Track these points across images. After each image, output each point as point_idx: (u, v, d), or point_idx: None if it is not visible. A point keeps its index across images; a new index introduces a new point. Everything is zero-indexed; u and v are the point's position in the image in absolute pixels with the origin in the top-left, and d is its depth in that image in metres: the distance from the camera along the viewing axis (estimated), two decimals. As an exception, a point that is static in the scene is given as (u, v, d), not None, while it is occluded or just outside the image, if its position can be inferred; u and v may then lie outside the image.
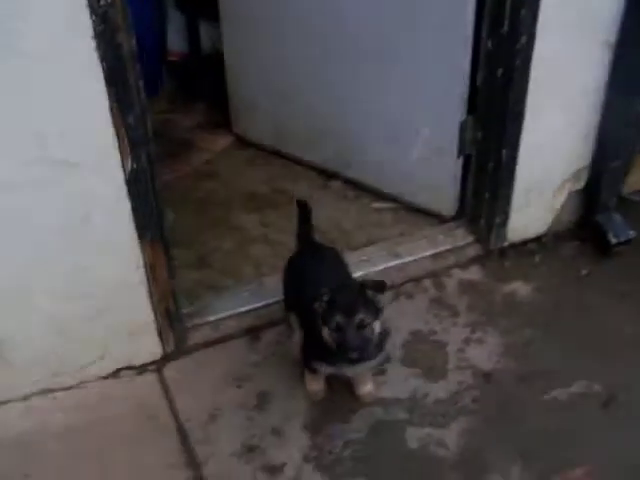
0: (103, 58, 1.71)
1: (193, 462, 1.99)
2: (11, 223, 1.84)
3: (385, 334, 1.94)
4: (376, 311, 1.85)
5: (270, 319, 2.35)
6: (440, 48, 2.34)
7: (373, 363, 1.98)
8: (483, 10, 2.22)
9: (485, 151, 2.42)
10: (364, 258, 2.53)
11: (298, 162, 2.94)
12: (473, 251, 2.59)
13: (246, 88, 2.94)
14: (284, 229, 2.66)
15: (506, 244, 2.58)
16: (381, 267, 2.50)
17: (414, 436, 2.04)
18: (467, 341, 2.31)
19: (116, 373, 2.21)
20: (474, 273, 2.54)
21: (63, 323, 2.05)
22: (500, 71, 2.24)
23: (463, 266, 2.56)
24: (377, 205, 2.76)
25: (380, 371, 2.19)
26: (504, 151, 2.35)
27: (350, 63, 2.57)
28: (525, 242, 2.62)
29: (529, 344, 2.30)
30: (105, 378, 2.20)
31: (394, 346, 2.23)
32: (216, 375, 2.21)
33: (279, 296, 2.31)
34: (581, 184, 2.57)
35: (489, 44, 2.24)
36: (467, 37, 2.28)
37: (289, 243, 2.56)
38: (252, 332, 2.33)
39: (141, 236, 2.00)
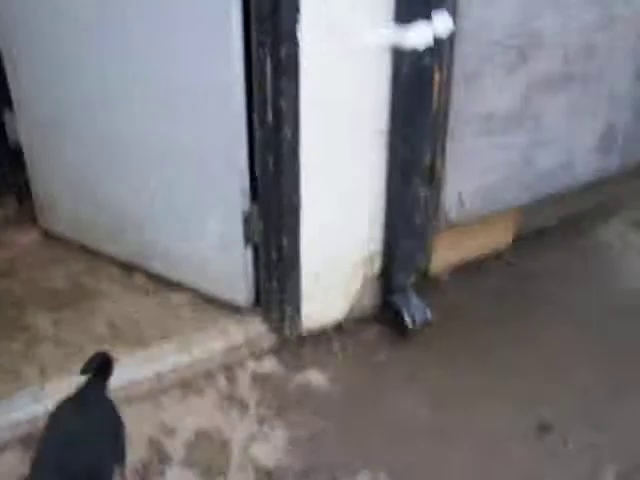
0: None
1: None
2: None
3: None
4: None
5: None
6: (216, 142, 2.34)
7: None
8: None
9: (268, 241, 2.40)
10: (154, 355, 2.45)
11: (102, 257, 2.87)
12: (268, 341, 2.54)
13: (48, 183, 2.87)
14: (78, 328, 2.57)
15: (303, 332, 2.55)
16: (170, 363, 2.42)
17: None
18: (253, 437, 2.24)
19: None
20: (268, 364, 2.49)
21: None
22: (271, 162, 2.25)
23: (257, 357, 2.50)
24: (176, 298, 2.70)
25: (159, 472, 2.11)
26: (285, 240, 2.34)
27: (139, 164, 2.57)
28: (324, 329, 2.59)
29: (316, 437, 2.25)
30: None
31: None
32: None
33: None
34: (377, 268, 2.58)
35: (259, 135, 2.25)
36: (240, 129, 2.28)
37: (81, 343, 2.50)
38: (28, 442, 2.19)
39: None
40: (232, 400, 2.36)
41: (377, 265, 2.58)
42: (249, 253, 2.50)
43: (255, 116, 2.24)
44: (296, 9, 1.99)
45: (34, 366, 2.43)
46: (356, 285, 2.57)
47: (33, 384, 2.35)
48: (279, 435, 2.25)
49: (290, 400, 2.37)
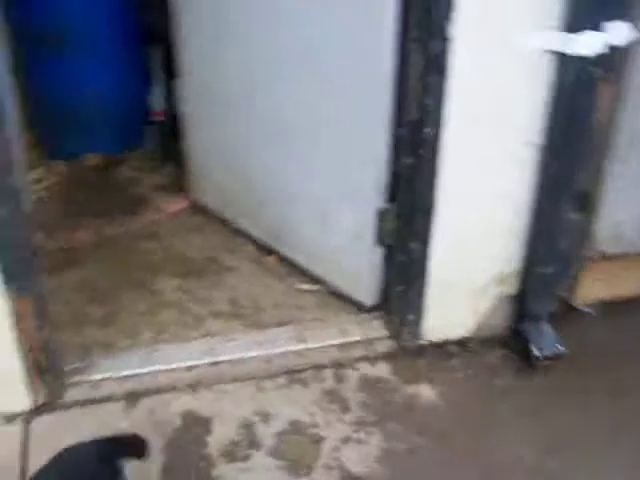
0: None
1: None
2: None
3: None
4: None
5: (152, 387, 2.28)
6: (358, 134, 2.28)
7: None
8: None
9: (399, 243, 2.31)
10: (268, 338, 2.43)
11: (241, 234, 2.90)
12: (385, 346, 2.44)
13: (201, 154, 2.95)
14: (200, 298, 2.63)
15: (423, 343, 2.44)
16: (282, 350, 2.39)
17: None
18: (347, 440, 2.15)
19: (-20, 419, 2.19)
20: (380, 369, 2.39)
21: None
22: (410, 160, 2.15)
23: (371, 360, 2.41)
24: (302, 286, 2.67)
25: (245, 456, 2.09)
26: (414, 244, 2.24)
27: (284, 143, 2.57)
28: (445, 344, 2.46)
29: (411, 453, 2.12)
30: (-30, 423, 2.18)
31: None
32: (82, 434, 2.10)
33: (168, 365, 2.30)
34: (511, 289, 2.42)
35: (401, 132, 2.16)
36: (383, 123, 2.20)
37: (200, 314, 2.54)
38: (130, 397, 2.25)
39: (7, 285, 1.98)
40: (335, 398, 2.28)
41: (511, 286, 2.40)
42: (379, 253, 2.42)
43: (399, 112, 2.16)
44: (451, 5, 1.88)
45: (152, 329, 2.50)
46: (486, 304, 2.41)
47: (147, 345, 2.41)
48: (374, 443, 2.15)
49: (394, 410, 2.26)
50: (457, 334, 2.46)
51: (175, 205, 3.10)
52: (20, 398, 2.18)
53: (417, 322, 2.39)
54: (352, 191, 2.38)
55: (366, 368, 2.40)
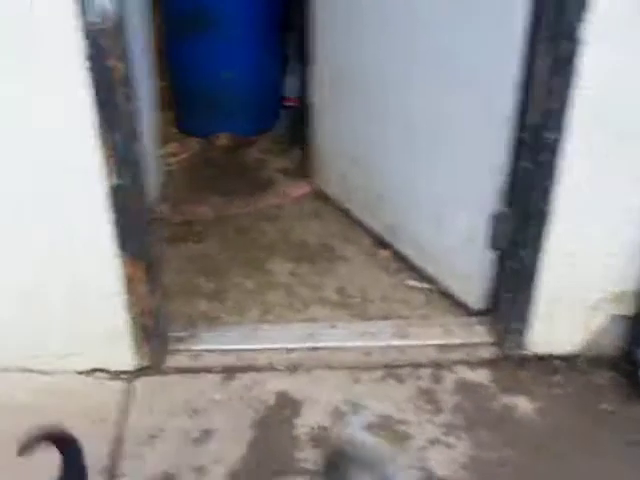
0: (93, 78, 1.83)
1: (109, 473, 2.00)
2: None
3: None
4: None
5: (250, 364, 2.33)
6: (479, 134, 2.25)
7: None
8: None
9: (511, 248, 2.25)
10: (371, 331, 2.43)
11: (359, 225, 2.91)
12: (487, 352, 2.38)
13: (326, 142, 2.98)
14: (310, 284, 2.66)
15: (527, 354, 2.36)
16: (383, 343, 2.39)
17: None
18: (434, 442, 2.12)
19: (91, 372, 2.30)
20: (479, 375, 2.33)
21: (43, 308, 2.18)
22: (528, 165, 2.08)
23: (471, 365, 2.36)
24: (412, 283, 2.65)
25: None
26: (525, 251, 2.17)
27: (408, 141, 2.56)
28: (550, 358, 2.37)
29: (500, 465, 2.07)
30: (80, 373, 2.29)
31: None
32: (177, 400, 2.22)
33: (269, 344, 2.35)
34: (627, 310, 2.29)
35: (521, 135, 2.10)
36: (505, 126, 2.14)
37: (307, 298, 2.57)
38: (228, 372, 2.32)
39: (121, 249, 2.09)
40: (429, 398, 2.25)
41: (627, 307, 2.28)
42: (491, 257, 2.36)
43: (521, 116, 2.10)
44: (584, 5, 1.80)
45: (258, 307, 2.56)
46: (597, 321, 2.30)
47: (251, 323, 2.47)
48: (462, 450, 2.10)
49: (488, 418, 2.20)
50: (564, 349, 2.36)
51: (298, 190, 3.14)
52: (126, 358, 2.29)
53: (522, 331, 2.32)
54: (469, 193, 2.34)
55: (465, 372, 2.35)
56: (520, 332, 2.32)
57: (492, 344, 2.39)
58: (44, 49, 1.81)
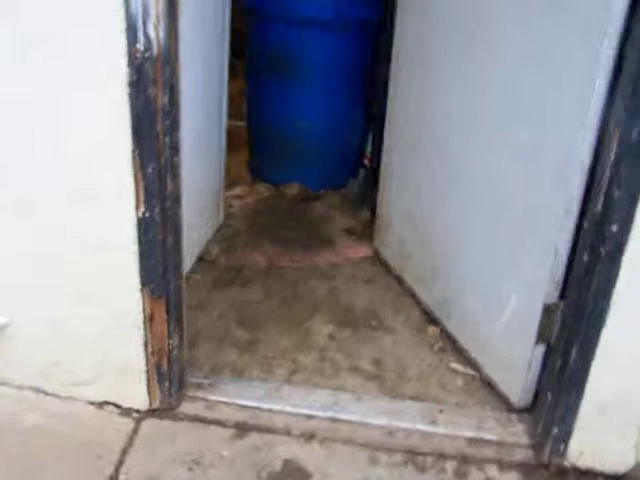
0: (133, 107, 1.79)
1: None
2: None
3: None
4: None
5: (265, 424, 2.19)
6: (540, 218, 2.08)
7: None
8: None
9: (560, 345, 2.04)
10: (398, 409, 2.26)
11: (412, 296, 2.76)
12: (522, 455, 2.15)
13: (388, 205, 2.89)
14: (346, 350, 2.52)
15: (567, 464, 2.12)
16: (408, 425, 2.20)
17: None
18: None
19: (102, 404, 2.22)
20: (510, 479, 2.12)
21: (67, 333, 2.14)
22: (587, 256, 1.89)
23: (502, 466, 2.13)
24: (454, 365, 2.46)
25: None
26: (575, 350, 1.97)
27: (467, 213, 2.42)
28: (593, 474, 2.13)
29: None
30: (91, 404, 2.22)
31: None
32: (181, 449, 2.11)
33: (288, 407, 2.22)
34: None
35: (582, 224, 1.92)
36: (568, 211, 1.96)
37: (340, 365, 2.44)
38: (241, 428, 2.19)
39: (141, 284, 2.02)
40: (448, 495, 2.06)
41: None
42: (539, 352, 2.16)
43: (583, 203, 1.92)
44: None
45: (287, 367, 2.43)
46: (652, 441, 2.07)
47: (275, 382, 2.34)
48: None
49: (509, 530, 1.99)
50: (610, 467, 2.11)
51: (357, 251, 3.03)
52: (139, 397, 2.20)
53: (563, 439, 2.08)
54: (522, 276, 2.16)
55: (493, 472, 2.13)
56: (561, 439, 2.08)
57: (529, 446, 2.17)
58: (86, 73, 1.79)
